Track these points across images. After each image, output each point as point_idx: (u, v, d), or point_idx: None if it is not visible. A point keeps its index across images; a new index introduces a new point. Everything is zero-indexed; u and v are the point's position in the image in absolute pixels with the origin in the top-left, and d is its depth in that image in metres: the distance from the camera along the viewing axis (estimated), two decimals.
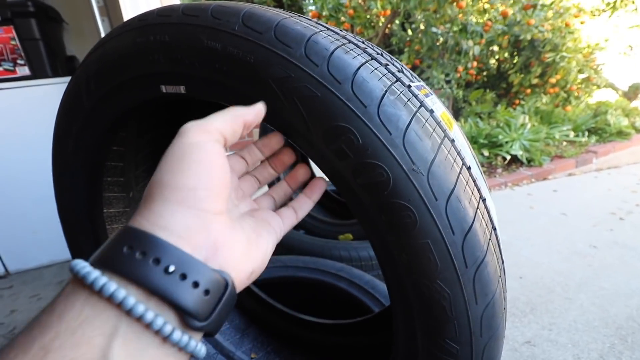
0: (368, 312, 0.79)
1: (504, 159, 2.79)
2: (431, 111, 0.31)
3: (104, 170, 0.56)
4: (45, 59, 1.61)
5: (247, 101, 0.32)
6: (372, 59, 0.31)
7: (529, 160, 2.76)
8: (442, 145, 0.29)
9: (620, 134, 3.13)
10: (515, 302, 1.35)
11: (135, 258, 0.20)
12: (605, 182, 2.52)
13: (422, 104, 0.30)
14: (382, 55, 0.36)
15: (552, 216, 2.04)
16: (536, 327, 1.23)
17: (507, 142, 2.82)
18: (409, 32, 3.50)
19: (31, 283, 1.60)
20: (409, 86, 0.32)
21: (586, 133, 3.17)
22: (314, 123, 0.28)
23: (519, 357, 1.11)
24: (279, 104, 0.29)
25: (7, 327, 1.36)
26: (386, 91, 0.28)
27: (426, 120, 0.29)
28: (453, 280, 0.28)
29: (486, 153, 2.84)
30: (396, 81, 0.30)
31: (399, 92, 0.29)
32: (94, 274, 0.19)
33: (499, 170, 2.73)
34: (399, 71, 0.34)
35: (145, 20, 0.36)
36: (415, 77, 0.38)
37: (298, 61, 0.28)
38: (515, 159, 2.80)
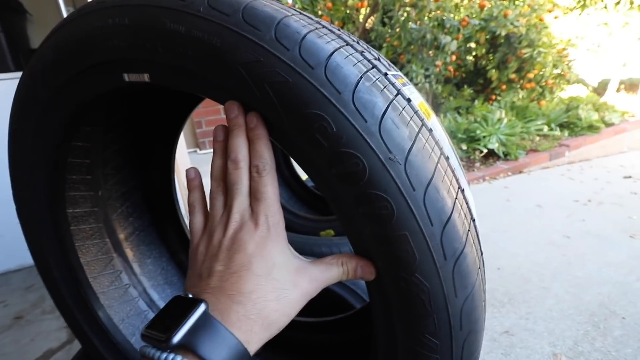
0: (349, 308, 0.78)
1: (481, 152, 2.85)
2: (408, 100, 0.30)
3: (67, 168, 0.53)
4: (7, 51, 1.51)
5: (215, 89, 0.30)
6: (346, 44, 0.29)
7: (506, 154, 2.84)
8: (420, 134, 0.28)
9: (591, 128, 3.26)
10: (493, 293, 1.38)
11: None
12: (577, 174, 2.62)
13: (399, 92, 0.29)
14: (357, 43, 0.34)
15: (528, 208, 2.10)
16: (514, 316, 1.26)
17: (484, 137, 2.89)
18: (388, 28, 3.52)
19: None
20: (386, 74, 0.31)
21: (559, 127, 3.28)
22: (286, 111, 0.26)
23: (498, 347, 1.14)
24: (248, 92, 0.27)
25: None
26: (361, 77, 0.27)
27: (403, 109, 0.28)
28: (432, 273, 0.27)
29: (464, 147, 2.90)
30: (372, 68, 0.29)
31: (374, 79, 0.28)
32: None
33: (477, 164, 2.79)
34: (375, 59, 0.32)
35: (103, 2, 0.33)
36: (392, 67, 0.37)
37: (268, 45, 0.26)
38: (492, 153, 2.87)
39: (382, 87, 0.28)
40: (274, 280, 0.28)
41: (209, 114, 3.31)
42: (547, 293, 1.37)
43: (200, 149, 3.37)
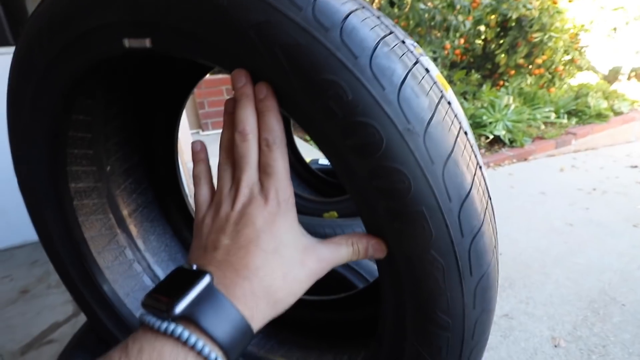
0: (351, 288, 0.78)
1: (487, 138, 2.81)
2: (427, 69, 0.28)
3: (68, 142, 0.52)
4: (5, 24, 1.48)
5: (221, 54, 0.28)
6: (363, 7, 0.27)
7: (511, 141, 2.81)
8: (440, 105, 0.26)
9: (599, 116, 3.21)
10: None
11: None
12: (582, 163, 2.59)
13: (418, 60, 0.27)
14: (373, 8, 0.32)
15: (532, 195, 2.09)
16: (514, 301, 1.27)
17: (490, 123, 2.84)
18: (396, 9, 3.41)
19: (2, 264, 1.53)
20: (404, 41, 0.29)
21: (567, 115, 3.23)
22: (298, 77, 0.24)
23: (497, 329, 1.15)
24: (257, 56, 0.25)
25: None
26: (379, 42, 0.25)
27: (422, 77, 0.26)
28: (447, 250, 0.26)
29: (474, 136, 2.86)
30: (390, 33, 0.27)
31: (393, 45, 0.26)
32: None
33: (482, 150, 2.76)
34: (392, 25, 0.30)
35: None
36: (409, 36, 0.35)
37: (278, 4, 0.24)
38: (497, 140, 2.83)
39: (401, 54, 0.26)
40: (282, 257, 0.27)
41: (211, 94, 3.26)
42: (548, 279, 1.37)
43: (203, 130, 3.34)
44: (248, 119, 0.29)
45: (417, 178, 0.24)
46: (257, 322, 0.26)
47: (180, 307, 0.23)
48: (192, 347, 0.23)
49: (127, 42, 0.33)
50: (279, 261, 0.27)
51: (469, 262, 0.26)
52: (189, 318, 0.23)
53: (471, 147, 0.28)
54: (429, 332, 0.30)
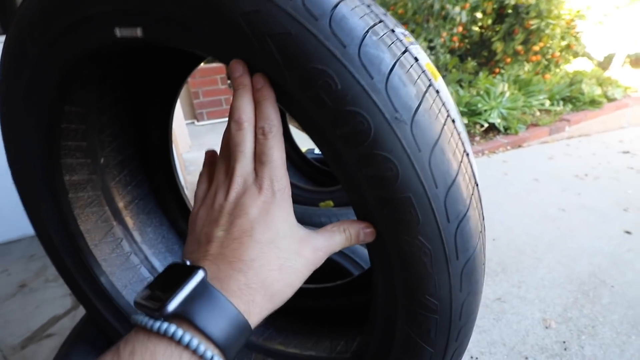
0: (347, 275, 0.79)
1: (482, 126, 2.82)
2: (416, 58, 0.29)
3: (62, 134, 0.51)
4: None
5: (212, 43, 0.28)
6: None
7: (506, 129, 2.82)
8: (427, 94, 0.27)
9: (593, 102, 3.22)
10: (488, 263, 1.41)
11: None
12: (575, 149, 2.61)
13: (407, 49, 0.28)
14: None
15: (525, 182, 2.12)
16: (507, 285, 1.30)
17: (485, 111, 2.85)
18: None
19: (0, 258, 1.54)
20: (393, 30, 0.29)
21: (561, 102, 3.24)
22: (288, 66, 0.25)
23: (490, 312, 1.18)
24: (248, 45, 0.26)
25: None
26: (368, 30, 0.25)
27: (411, 66, 0.27)
28: (434, 235, 0.27)
29: (465, 121, 2.86)
30: (379, 22, 0.27)
31: (382, 34, 0.26)
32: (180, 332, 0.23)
33: (477, 138, 2.77)
34: (382, 14, 0.31)
35: None
36: (400, 25, 0.35)
37: None
38: (492, 127, 2.85)
39: (390, 43, 0.26)
40: (277, 249, 0.27)
41: (206, 84, 3.23)
42: (540, 263, 1.40)
43: (198, 121, 3.31)
44: (244, 107, 0.28)
45: (405, 165, 0.25)
46: (254, 316, 0.25)
47: (172, 305, 0.22)
48: (187, 346, 0.22)
49: (118, 32, 0.33)
50: (275, 252, 0.27)
51: (455, 247, 0.27)
52: (183, 316, 0.23)
53: (458, 134, 0.29)
54: (418, 314, 0.31)
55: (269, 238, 0.27)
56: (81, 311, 1.21)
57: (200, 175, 0.34)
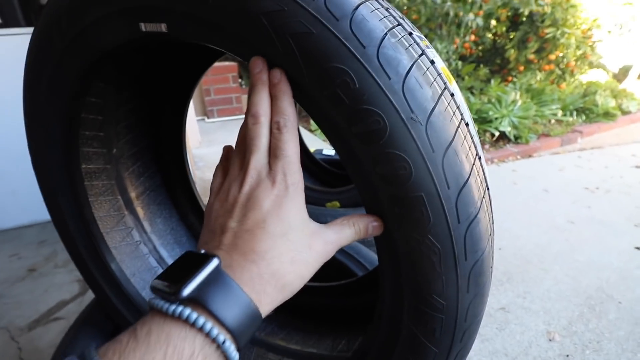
0: (351, 275, 0.80)
1: (492, 135, 2.80)
2: (432, 61, 0.29)
3: (81, 123, 0.53)
4: (16, 5, 1.48)
5: (234, 41, 0.29)
6: None
7: (516, 138, 2.79)
8: (443, 96, 0.27)
9: (607, 115, 3.18)
10: (493, 272, 1.40)
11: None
12: (587, 161, 2.58)
13: (423, 52, 0.28)
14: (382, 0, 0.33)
15: (534, 192, 2.09)
16: (511, 295, 1.29)
17: (496, 119, 2.83)
18: (406, 0, 3.37)
19: (11, 242, 1.57)
20: (410, 33, 0.30)
21: (574, 113, 3.20)
22: (308, 64, 0.25)
23: (493, 321, 1.17)
24: (270, 43, 0.27)
25: None
26: (387, 33, 0.26)
27: (427, 69, 0.27)
28: (444, 235, 0.27)
29: (476, 128, 2.85)
30: (398, 25, 0.28)
31: (400, 36, 0.27)
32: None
33: (487, 146, 2.76)
34: (400, 17, 0.31)
35: None
36: (416, 29, 0.36)
37: None
38: (503, 136, 2.82)
39: (407, 45, 0.27)
40: (289, 241, 0.27)
41: (217, 82, 3.26)
42: (546, 274, 1.39)
43: (208, 117, 3.35)
44: (261, 102, 0.29)
45: (418, 165, 0.25)
46: (265, 306, 0.26)
47: (187, 290, 0.23)
48: (201, 329, 0.23)
49: (143, 27, 0.34)
50: (287, 245, 0.27)
51: (465, 248, 0.28)
52: (197, 301, 0.23)
53: (471, 138, 0.29)
54: (424, 313, 0.32)
55: (281, 230, 0.27)
56: (88, 297, 1.24)
57: (217, 168, 0.35)
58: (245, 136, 0.30)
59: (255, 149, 0.29)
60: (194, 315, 0.23)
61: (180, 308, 0.23)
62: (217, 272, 0.25)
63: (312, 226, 0.29)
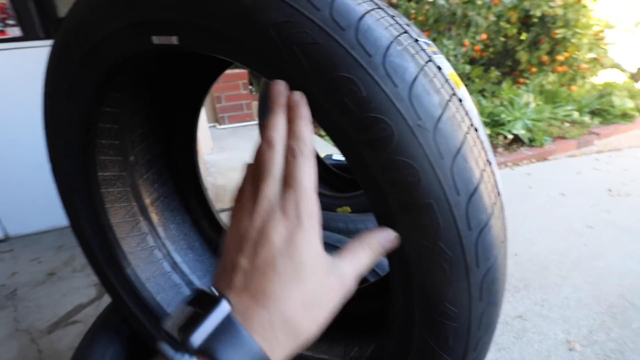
0: (363, 281, 0.79)
1: (505, 137, 2.75)
2: (439, 67, 0.29)
3: (98, 132, 0.55)
4: (36, 19, 1.54)
5: (243, 52, 0.30)
6: (378, 7, 0.29)
7: (531, 140, 2.74)
8: (451, 102, 0.27)
9: (625, 116, 3.09)
10: (509, 278, 1.37)
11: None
12: (605, 164, 2.51)
13: (430, 59, 0.28)
14: (388, 8, 0.33)
15: (551, 196, 2.04)
16: (528, 302, 1.25)
17: (509, 121, 2.78)
18: (414, 3, 3.36)
19: (31, 247, 1.62)
20: (417, 40, 0.30)
21: (589, 115, 3.12)
22: (315, 73, 0.26)
23: (510, 330, 1.14)
24: (277, 54, 0.27)
25: (8, 288, 1.39)
26: (393, 41, 0.26)
27: (434, 76, 0.27)
28: (455, 242, 0.27)
29: (488, 132, 2.80)
30: (404, 32, 0.28)
31: (406, 44, 0.27)
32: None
33: (500, 149, 2.71)
34: (406, 24, 0.31)
35: None
36: (423, 35, 0.36)
37: (298, 5, 0.25)
38: (516, 139, 2.77)
39: (414, 53, 0.27)
40: (301, 283, 0.25)
41: (228, 89, 3.31)
42: (565, 281, 1.35)
43: (219, 124, 3.40)
44: (276, 125, 0.27)
45: (427, 172, 0.25)
46: (277, 356, 0.24)
47: (197, 341, 0.22)
48: None
49: (155, 39, 0.35)
50: (299, 287, 0.25)
51: (476, 255, 0.27)
52: (207, 352, 0.22)
53: (481, 143, 0.29)
54: (436, 322, 0.31)
55: (292, 271, 0.25)
56: (104, 301, 1.26)
57: (236, 190, 0.32)
58: (259, 162, 0.28)
59: (267, 177, 0.27)
60: None
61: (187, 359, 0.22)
62: (228, 320, 0.23)
63: (326, 262, 0.27)
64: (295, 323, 0.25)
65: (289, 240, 0.25)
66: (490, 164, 0.30)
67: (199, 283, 0.73)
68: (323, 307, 0.26)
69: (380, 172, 0.26)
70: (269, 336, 0.24)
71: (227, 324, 0.23)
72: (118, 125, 0.59)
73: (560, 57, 3.38)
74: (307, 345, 0.26)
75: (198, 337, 0.22)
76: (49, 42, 1.51)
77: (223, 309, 0.23)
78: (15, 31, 1.49)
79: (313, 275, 0.25)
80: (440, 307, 0.30)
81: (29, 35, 1.51)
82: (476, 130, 0.30)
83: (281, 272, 0.25)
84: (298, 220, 0.26)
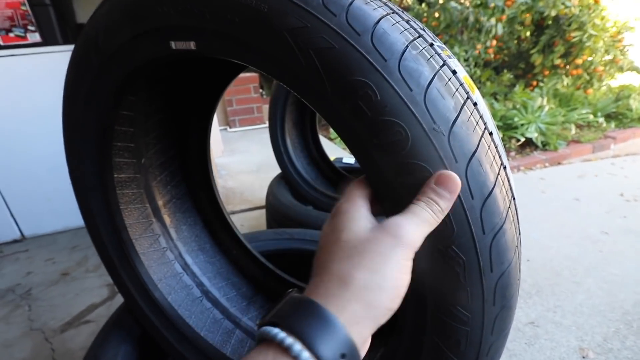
0: None
1: (518, 141, 2.72)
2: (454, 71, 0.29)
3: (114, 135, 0.56)
4: (55, 25, 1.59)
5: (260, 57, 0.30)
6: (393, 12, 0.29)
7: (544, 144, 2.69)
8: (465, 106, 0.27)
9: None
10: (521, 284, 1.34)
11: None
12: (621, 169, 2.45)
13: (445, 63, 0.28)
14: (403, 12, 0.34)
15: (565, 201, 2.00)
16: (541, 308, 1.23)
17: (522, 125, 2.74)
18: (424, 6, 3.35)
19: (46, 247, 1.65)
20: (432, 44, 0.30)
21: (605, 118, 3.05)
22: (330, 77, 0.26)
23: (522, 336, 1.12)
24: (293, 58, 0.27)
25: (23, 287, 1.42)
26: (408, 45, 0.26)
27: (449, 80, 0.27)
28: (469, 246, 0.27)
29: (500, 135, 2.77)
30: (419, 37, 0.28)
31: (421, 48, 0.27)
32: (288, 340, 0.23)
33: (512, 153, 2.67)
34: (421, 29, 0.32)
35: None
36: (437, 39, 0.36)
37: (315, 10, 0.26)
38: (529, 143, 2.73)
39: (429, 57, 0.27)
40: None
41: (239, 92, 3.35)
42: (579, 288, 1.32)
43: (230, 127, 3.43)
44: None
45: None
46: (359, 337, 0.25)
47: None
48: None
49: (173, 45, 0.36)
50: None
51: (490, 259, 0.27)
52: (296, 334, 0.23)
53: (496, 147, 0.29)
54: (448, 326, 0.31)
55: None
56: (117, 301, 1.28)
57: None
58: None
59: None
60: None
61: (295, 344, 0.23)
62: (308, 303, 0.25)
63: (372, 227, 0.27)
64: (368, 301, 0.25)
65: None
66: (504, 167, 0.30)
67: (209, 284, 0.74)
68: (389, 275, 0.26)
69: (395, 176, 0.27)
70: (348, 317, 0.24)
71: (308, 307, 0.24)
72: (133, 128, 0.60)
73: (578, 61, 3.32)
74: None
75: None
76: (68, 47, 1.56)
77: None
78: (36, 37, 1.54)
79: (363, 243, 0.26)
80: (453, 312, 0.30)
81: (48, 40, 1.55)
82: (490, 134, 0.30)
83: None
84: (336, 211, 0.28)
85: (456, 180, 0.25)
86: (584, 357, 1.04)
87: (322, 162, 1.47)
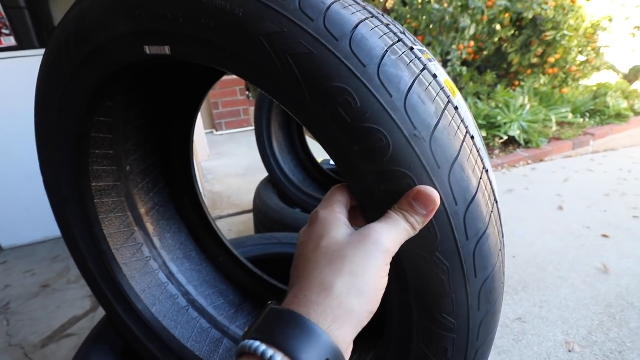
0: None
1: (501, 139, 2.77)
2: (434, 75, 0.29)
3: (91, 142, 0.54)
4: (31, 28, 1.54)
5: (236, 62, 0.29)
6: (372, 16, 0.28)
7: (527, 142, 2.75)
8: (446, 111, 0.27)
9: (619, 116, 3.12)
10: (507, 281, 1.37)
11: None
12: (600, 164, 2.52)
13: (425, 67, 0.28)
14: (382, 15, 0.33)
15: (547, 197, 2.05)
16: (527, 304, 1.25)
17: (505, 123, 2.80)
18: (407, 8, 3.39)
19: (25, 258, 1.60)
20: (411, 48, 0.29)
21: (586, 115, 3.15)
22: (308, 83, 0.25)
23: (509, 332, 1.14)
24: (270, 64, 0.27)
25: (1, 301, 1.36)
26: (387, 50, 0.26)
27: (429, 84, 0.27)
28: (452, 253, 0.26)
29: (484, 134, 2.82)
30: (398, 41, 0.28)
31: (400, 52, 0.27)
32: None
33: (496, 151, 2.72)
34: (400, 32, 0.31)
35: None
36: (418, 42, 0.36)
37: (292, 15, 0.25)
38: (512, 140, 2.79)
39: (408, 61, 0.27)
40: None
41: (225, 95, 3.31)
42: (563, 282, 1.34)
43: (216, 130, 3.39)
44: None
45: (424, 182, 0.25)
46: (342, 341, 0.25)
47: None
48: None
49: (147, 49, 0.34)
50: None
51: (474, 265, 0.27)
52: (279, 346, 0.23)
53: (477, 151, 0.29)
54: (434, 333, 0.31)
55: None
56: (99, 313, 1.24)
57: None
58: None
59: None
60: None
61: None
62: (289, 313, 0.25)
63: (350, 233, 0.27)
64: (349, 305, 0.25)
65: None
66: (486, 171, 0.30)
67: (195, 293, 0.72)
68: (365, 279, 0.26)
69: (376, 182, 0.26)
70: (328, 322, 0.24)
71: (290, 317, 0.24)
72: (111, 135, 0.58)
73: (550, 59, 3.41)
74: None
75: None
76: (44, 50, 1.51)
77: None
78: (10, 40, 1.49)
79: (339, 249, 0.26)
80: (438, 319, 0.29)
81: (23, 44, 1.50)
82: (472, 137, 0.29)
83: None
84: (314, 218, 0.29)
85: (433, 197, 0.25)
86: (569, 351, 1.06)
87: (310, 164, 1.47)
